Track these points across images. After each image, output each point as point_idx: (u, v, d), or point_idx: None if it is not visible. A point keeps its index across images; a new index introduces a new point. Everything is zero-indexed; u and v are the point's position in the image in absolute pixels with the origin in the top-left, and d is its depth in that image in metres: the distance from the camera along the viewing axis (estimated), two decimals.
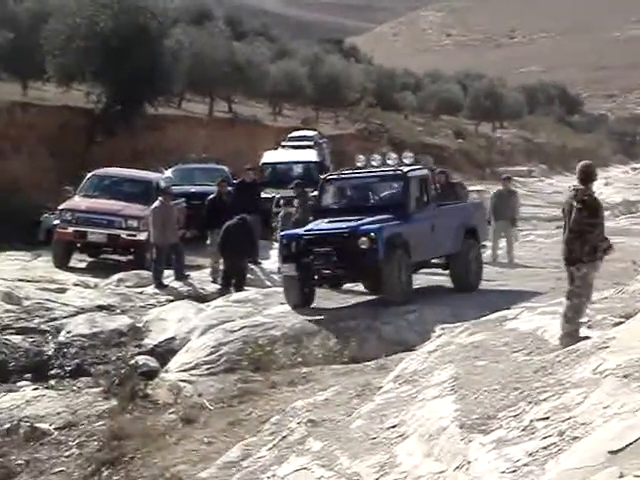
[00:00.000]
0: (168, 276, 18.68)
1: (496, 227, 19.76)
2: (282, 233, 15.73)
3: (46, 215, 22.89)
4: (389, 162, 16.15)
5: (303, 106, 46.43)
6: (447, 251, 16.08)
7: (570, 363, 7.62)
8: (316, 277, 15.14)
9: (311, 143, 29.93)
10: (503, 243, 20.01)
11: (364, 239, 14.42)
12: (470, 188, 22.99)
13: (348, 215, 15.22)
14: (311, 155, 28.15)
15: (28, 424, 11.74)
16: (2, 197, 23.66)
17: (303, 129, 35.27)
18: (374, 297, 15.58)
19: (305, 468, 7.93)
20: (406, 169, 15.81)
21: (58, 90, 30.22)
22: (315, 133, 33.20)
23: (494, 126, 61.03)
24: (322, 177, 16.86)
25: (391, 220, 15.00)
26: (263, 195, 25.15)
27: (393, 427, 8.14)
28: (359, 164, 16.24)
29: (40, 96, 30.08)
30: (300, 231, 15.25)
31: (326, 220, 15.27)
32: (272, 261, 18.76)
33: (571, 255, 9.07)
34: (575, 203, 9.04)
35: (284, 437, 9.11)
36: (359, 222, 14.75)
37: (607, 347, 7.58)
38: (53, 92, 30.48)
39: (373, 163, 16.17)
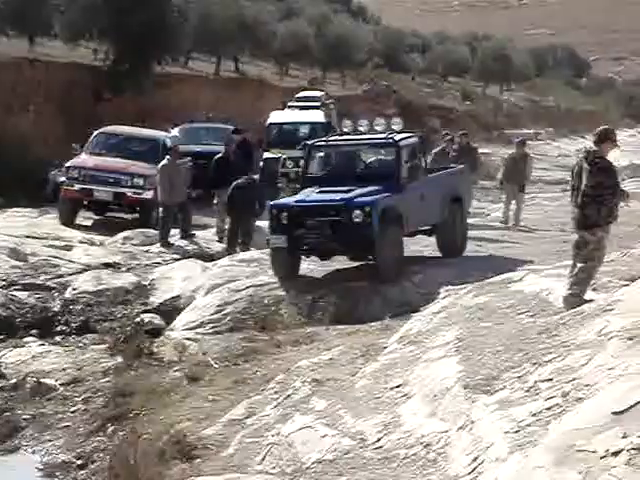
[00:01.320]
0: (174, 235, 18.71)
1: (508, 190, 19.74)
2: (271, 203, 14.98)
3: (53, 172, 22.88)
4: (377, 128, 15.52)
5: (310, 66, 46.17)
6: (435, 220, 15.63)
7: (575, 325, 7.65)
8: (306, 248, 14.46)
9: (318, 104, 29.75)
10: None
11: (358, 212, 13.88)
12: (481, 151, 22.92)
13: (337, 184, 14.58)
14: (318, 116, 28.01)
15: (34, 379, 11.82)
16: (9, 154, 23.62)
17: (310, 89, 35.08)
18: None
19: (309, 426, 7.98)
20: (397, 137, 15.19)
21: (65, 47, 30.09)
22: (322, 94, 33.00)
23: (502, 88, 60.74)
24: (308, 143, 16.08)
25: (384, 192, 14.40)
26: (269, 155, 25.19)
27: (397, 387, 8.19)
28: (345, 129, 15.69)
29: (47, 52, 29.94)
30: (290, 201, 14.68)
31: (316, 190, 14.64)
32: None
33: (586, 220, 8.99)
34: (586, 165, 8.98)
35: (288, 396, 9.16)
36: (352, 193, 14.18)
37: (612, 309, 7.60)
38: (60, 49, 30.34)
39: (360, 128, 15.53)
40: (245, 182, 17.36)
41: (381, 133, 15.41)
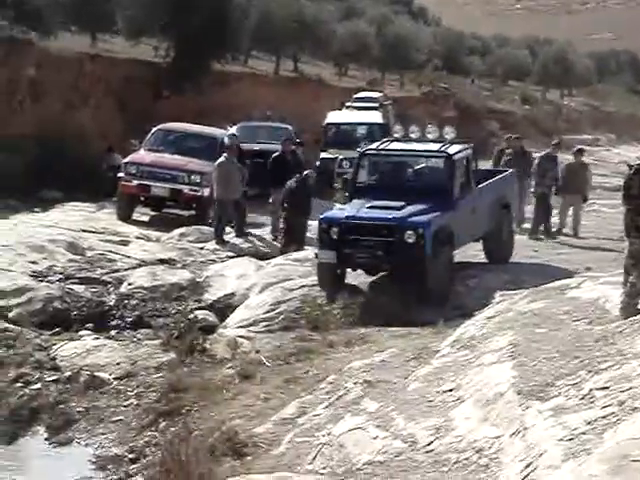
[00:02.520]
0: (229, 232, 18.78)
1: (565, 199, 19.54)
2: (321, 216, 14.39)
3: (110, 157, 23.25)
4: (429, 136, 15.13)
5: (369, 67, 46.13)
6: (485, 230, 15.35)
7: (632, 334, 7.56)
8: (355, 265, 14.10)
9: (376, 105, 29.74)
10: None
11: (411, 232, 13.49)
12: (535, 155, 22.70)
13: (387, 196, 14.13)
14: (375, 117, 27.98)
15: (88, 372, 11.92)
16: (69, 148, 23.90)
17: (368, 90, 35.06)
18: None
19: (360, 428, 7.96)
20: (451, 150, 14.74)
21: (126, 43, 30.35)
22: (380, 95, 32.99)
23: (562, 93, 60.23)
24: (359, 150, 15.65)
25: (437, 209, 13.95)
26: (326, 155, 25.20)
27: (450, 391, 8.14)
28: (396, 135, 15.34)
29: (108, 49, 30.23)
30: (341, 215, 14.11)
31: (367, 204, 14.14)
32: None
33: None
34: None
35: (340, 396, 9.14)
36: (405, 212, 13.76)
37: None
38: (121, 45, 30.62)
39: (412, 135, 15.16)
40: (297, 180, 17.39)
41: (433, 142, 15.02)
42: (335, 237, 13.75)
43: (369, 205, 14.10)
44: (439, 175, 14.86)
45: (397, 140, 15.24)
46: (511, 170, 17.16)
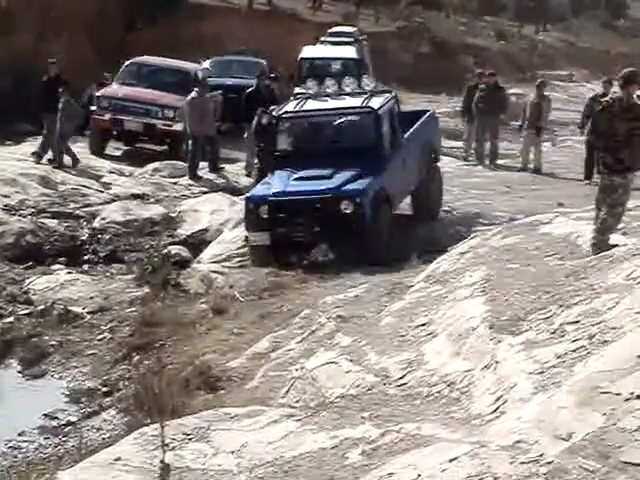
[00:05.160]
0: (203, 168, 18.69)
1: (525, 135, 19.45)
2: (247, 195, 13.37)
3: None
4: (346, 89, 13.98)
5: (343, 1, 45.74)
6: (415, 184, 14.19)
7: (603, 269, 7.61)
8: (291, 245, 12.73)
9: (351, 40, 29.52)
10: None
11: (347, 202, 12.43)
12: (510, 91, 22.68)
13: (313, 164, 12.91)
14: (350, 52, 27.77)
15: (62, 306, 11.94)
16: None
17: (343, 25, 34.78)
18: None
19: (333, 362, 8.01)
20: (375, 104, 13.55)
21: None
22: (355, 30, 32.73)
23: (537, 29, 59.99)
24: (274, 115, 14.25)
25: (369, 172, 12.84)
26: (300, 90, 25.03)
27: (422, 325, 8.20)
28: (310, 91, 14.08)
29: None
30: (268, 192, 12.82)
31: (292, 175, 12.97)
32: None
33: (618, 164, 8.93)
34: (617, 110, 8.90)
35: (313, 331, 9.20)
36: (337, 180, 12.67)
37: None
38: None
39: (327, 90, 13.97)
40: (268, 118, 17.17)
41: (353, 96, 13.90)
42: (265, 217, 12.63)
43: (296, 177, 12.96)
44: (366, 133, 13.54)
45: (313, 97, 14.05)
46: (431, 110, 16.11)
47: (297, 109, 13.86)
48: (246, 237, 13.13)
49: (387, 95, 14.21)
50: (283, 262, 12.39)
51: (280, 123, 13.80)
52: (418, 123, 14.78)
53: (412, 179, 14.07)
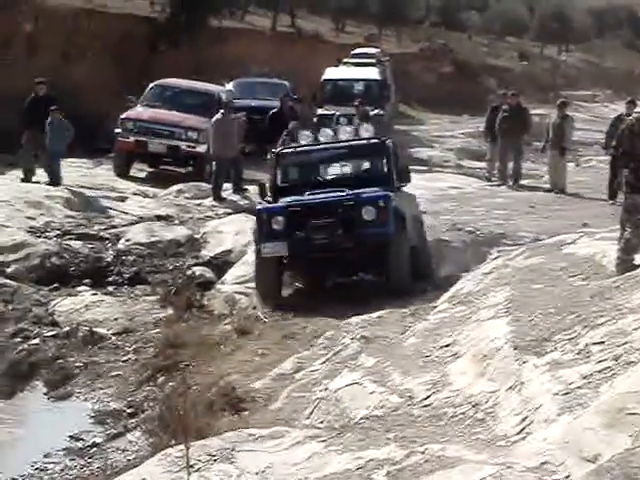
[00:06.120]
0: (226, 189, 18.76)
1: (550, 155, 19.43)
2: (258, 207, 12.74)
3: None
4: (341, 137, 13.30)
5: (366, 23, 45.90)
6: (414, 240, 12.96)
7: (628, 289, 7.58)
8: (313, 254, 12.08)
9: (373, 61, 29.64)
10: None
11: (370, 208, 11.81)
12: (533, 112, 22.65)
13: (320, 191, 12.40)
14: (373, 73, 27.89)
15: (87, 328, 11.98)
16: (64, 103, 23.75)
17: (365, 46, 34.90)
18: None
19: (357, 383, 7.99)
20: (382, 137, 13.28)
21: None
22: (378, 51, 32.87)
23: (560, 49, 59.95)
24: (274, 151, 13.64)
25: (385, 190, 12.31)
26: (322, 112, 25.11)
27: (446, 346, 8.17)
28: (303, 141, 13.25)
29: (104, 3, 30.00)
30: (282, 205, 12.25)
31: (303, 196, 12.42)
32: None
33: None
34: (639, 130, 8.90)
35: (337, 352, 9.19)
36: (357, 190, 12.10)
37: None
38: (117, 0, 30.40)
39: (321, 139, 13.25)
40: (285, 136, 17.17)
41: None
42: (280, 227, 11.95)
43: (308, 194, 12.45)
44: (374, 165, 13.22)
45: (305, 145, 13.27)
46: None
47: (297, 146, 13.35)
48: (258, 250, 12.32)
49: (389, 138, 13.60)
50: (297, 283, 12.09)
51: (280, 160, 13.21)
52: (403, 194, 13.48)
53: (412, 233, 12.95)
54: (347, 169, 13.38)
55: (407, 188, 13.36)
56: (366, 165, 13.41)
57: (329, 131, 13.52)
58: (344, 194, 12.07)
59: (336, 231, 11.89)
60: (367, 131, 13.37)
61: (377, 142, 13.09)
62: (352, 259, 12.21)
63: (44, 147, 17.94)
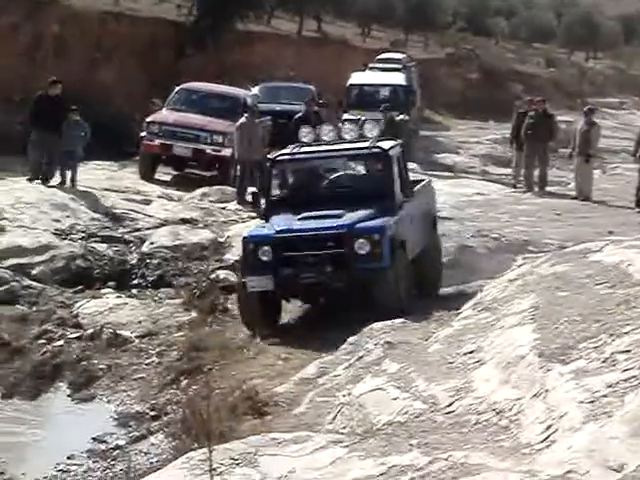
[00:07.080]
0: (251, 193, 18.75)
1: (575, 162, 19.35)
2: (245, 235, 11.90)
3: None
4: (345, 136, 12.47)
5: (392, 28, 45.87)
6: (421, 248, 12.59)
7: None
8: (299, 290, 11.47)
9: (399, 66, 29.63)
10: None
11: (363, 241, 11.04)
12: (559, 118, 22.57)
13: (314, 208, 11.53)
14: (399, 78, 27.87)
15: (111, 330, 12.02)
16: (91, 106, 23.85)
17: (392, 51, 34.89)
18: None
19: (381, 388, 7.97)
20: (385, 145, 12.23)
21: (150, 1, 30.25)
22: (404, 56, 32.85)
23: (587, 56, 59.74)
24: (269, 158, 12.99)
25: (382, 214, 11.48)
26: (348, 117, 25.09)
27: (470, 353, 8.13)
28: (305, 139, 12.40)
29: (131, 7, 30.13)
30: (270, 232, 11.38)
31: (294, 217, 11.53)
32: None
33: None
34: None
35: (360, 357, 9.17)
36: (349, 218, 11.30)
37: None
38: (144, 3, 30.51)
39: (324, 138, 12.43)
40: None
41: (354, 142, 12.43)
42: (267, 258, 11.14)
43: (300, 217, 11.50)
44: (375, 176, 12.45)
45: (307, 145, 12.46)
46: (428, 179, 14.50)
47: (293, 153, 12.46)
48: (242, 283, 11.40)
49: (394, 142, 12.79)
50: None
51: (275, 166, 12.45)
52: (419, 186, 13.20)
53: (420, 241, 12.58)
54: (346, 181, 12.49)
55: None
56: (367, 178, 12.63)
57: (331, 128, 12.70)
58: (336, 224, 11.21)
59: (325, 268, 11.13)
60: (372, 130, 12.52)
61: (379, 152, 12.13)
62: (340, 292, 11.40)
63: (53, 148, 17.63)
